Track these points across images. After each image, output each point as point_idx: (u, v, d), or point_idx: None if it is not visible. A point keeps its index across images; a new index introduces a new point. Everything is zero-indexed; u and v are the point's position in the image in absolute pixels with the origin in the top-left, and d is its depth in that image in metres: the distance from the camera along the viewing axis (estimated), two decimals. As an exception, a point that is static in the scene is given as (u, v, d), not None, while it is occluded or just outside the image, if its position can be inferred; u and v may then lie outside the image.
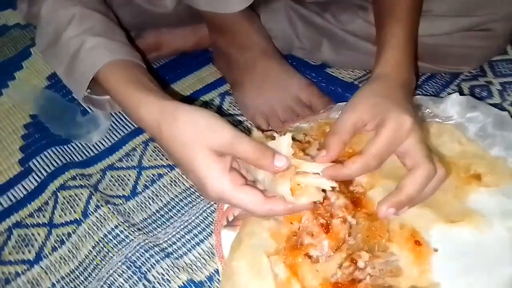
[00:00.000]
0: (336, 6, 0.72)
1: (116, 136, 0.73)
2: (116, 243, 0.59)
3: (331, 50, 0.76)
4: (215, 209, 0.61)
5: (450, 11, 0.65)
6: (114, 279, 0.55)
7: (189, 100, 0.77)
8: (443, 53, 0.69)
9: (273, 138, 0.49)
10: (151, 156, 0.70)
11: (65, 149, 0.72)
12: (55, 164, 0.70)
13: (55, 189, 0.66)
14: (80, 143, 0.73)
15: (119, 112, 0.76)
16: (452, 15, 0.65)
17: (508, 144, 0.55)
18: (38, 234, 0.62)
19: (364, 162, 0.45)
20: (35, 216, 0.64)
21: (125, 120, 0.75)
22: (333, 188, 0.45)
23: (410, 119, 0.46)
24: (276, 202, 0.44)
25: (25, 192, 0.68)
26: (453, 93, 0.61)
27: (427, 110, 0.60)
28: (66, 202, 0.65)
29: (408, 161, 0.46)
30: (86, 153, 0.72)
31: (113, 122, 0.75)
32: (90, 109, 0.75)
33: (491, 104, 0.61)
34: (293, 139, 0.47)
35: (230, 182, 0.43)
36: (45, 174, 0.69)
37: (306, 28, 0.76)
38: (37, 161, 0.71)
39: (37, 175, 0.69)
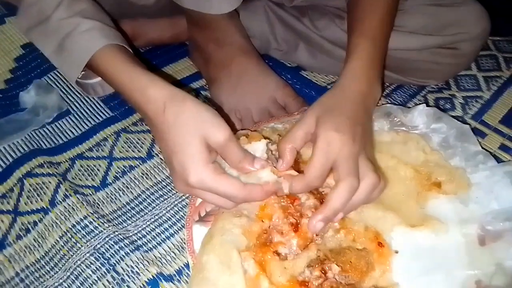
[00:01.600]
0: (313, 12, 0.74)
1: (87, 125, 0.72)
2: (84, 234, 0.58)
3: (307, 54, 0.78)
4: (186, 203, 0.61)
5: (421, 28, 0.68)
6: (82, 270, 0.55)
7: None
8: (411, 67, 0.72)
9: (247, 136, 0.54)
10: (122, 147, 0.69)
11: (33, 134, 0.70)
12: (22, 150, 0.68)
13: (21, 176, 0.64)
14: (48, 130, 0.71)
15: (91, 101, 0.75)
16: (422, 33, 0.68)
17: (468, 155, 0.60)
18: (2, 221, 0.60)
19: (307, 182, 0.49)
20: (-1, 203, 0.62)
21: (96, 109, 0.74)
22: None
23: (337, 136, 0.48)
24: (254, 187, 0.48)
25: (-12, 178, 0.65)
26: (419, 103, 0.65)
27: (396, 118, 0.63)
28: (32, 190, 0.63)
29: (334, 176, 0.49)
30: (55, 140, 0.70)
31: (84, 111, 0.74)
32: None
33: (453, 117, 0.65)
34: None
35: (212, 170, 0.47)
36: (10, 159, 0.66)
37: (284, 30, 0.77)
38: (3, 146, 0.68)
39: (2, 160, 0.67)
